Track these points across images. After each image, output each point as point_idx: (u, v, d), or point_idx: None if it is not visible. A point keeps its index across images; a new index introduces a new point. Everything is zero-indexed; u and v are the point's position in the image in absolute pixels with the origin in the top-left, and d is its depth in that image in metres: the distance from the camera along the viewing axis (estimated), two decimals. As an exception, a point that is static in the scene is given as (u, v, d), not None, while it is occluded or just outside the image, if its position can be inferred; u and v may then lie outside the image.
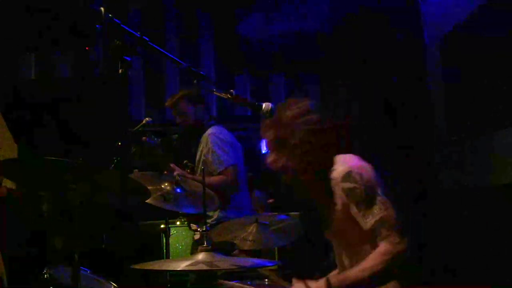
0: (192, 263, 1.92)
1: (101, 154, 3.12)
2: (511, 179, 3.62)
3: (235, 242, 2.84)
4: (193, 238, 3.83)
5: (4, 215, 4.58)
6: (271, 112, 2.23)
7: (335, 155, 2.19)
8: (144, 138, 3.43)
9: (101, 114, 4.56)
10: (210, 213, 3.55)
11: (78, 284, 2.01)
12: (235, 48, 5.57)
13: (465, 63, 4.25)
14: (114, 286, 2.73)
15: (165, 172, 3.35)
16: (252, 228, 2.82)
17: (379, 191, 2.09)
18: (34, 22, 5.04)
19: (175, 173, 3.37)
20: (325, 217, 2.21)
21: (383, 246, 2.03)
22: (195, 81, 2.09)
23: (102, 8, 1.63)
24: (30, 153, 4.70)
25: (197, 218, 3.68)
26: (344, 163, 2.14)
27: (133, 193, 2.15)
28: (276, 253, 4.27)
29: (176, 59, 2.00)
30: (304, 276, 2.25)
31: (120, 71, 1.67)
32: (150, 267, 1.98)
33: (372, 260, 2.03)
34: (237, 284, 2.47)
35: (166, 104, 3.89)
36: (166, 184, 3.05)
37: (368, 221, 2.05)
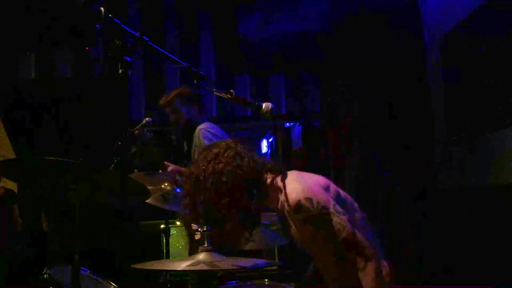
0: (192, 263, 1.92)
1: (101, 154, 3.12)
2: (511, 179, 3.62)
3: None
4: (190, 238, 3.83)
5: (4, 215, 4.59)
6: (271, 112, 2.23)
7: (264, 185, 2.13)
8: (137, 132, 3.42)
9: (101, 114, 4.56)
10: None
11: (78, 284, 2.01)
12: (235, 48, 5.56)
13: (465, 63, 4.25)
14: (114, 286, 2.73)
15: (160, 170, 3.34)
16: (252, 228, 2.81)
17: (331, 208, 2.01)
18: (34, 22, 5.04)
19: (169, 169, 3.37)
20: (298, 242, 2.19)
21: (364, 272, 1.97)
22: (195, 81, 2.08)
23: (102, 8, 1.63)
24: (30, 153, 4.70)
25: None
26: (292, 191, 2.06)
27: (133, 193, 2.15)
28: (276, 253, 4.28)
29: (176, 59, 2.00)
30: (304, 276, 2.25)
31: (120, 71, 1.67)
32: (150, 267, 1.98)
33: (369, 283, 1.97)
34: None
35: (161, 102, 3.89)
36: (166, 184, 3.05)
37: (336, 239, 1.99)
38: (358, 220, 2.12)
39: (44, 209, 4.48)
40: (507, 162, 3.69)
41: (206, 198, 2.07)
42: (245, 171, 2.09)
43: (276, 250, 4.26)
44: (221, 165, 2.09)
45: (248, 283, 2.67)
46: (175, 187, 3.04)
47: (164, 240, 3.58)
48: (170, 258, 3.69)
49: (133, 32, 1.73)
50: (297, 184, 2.08)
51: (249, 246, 2.71)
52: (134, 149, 3.44)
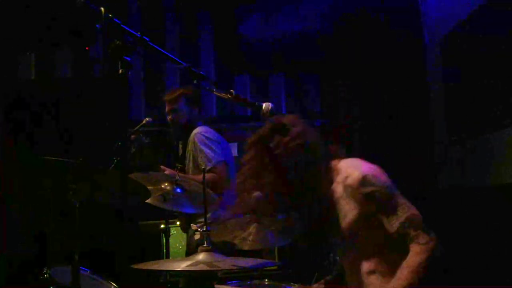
0: (192, 263, 1.92)
1: (101, 154, 3.12)
2: (511, 179, 3.62)
3: (235, 242, 2.84)
4: (188, 238, 3.82)
5: (4, 215, 4.59)
6: (271, 112, 2.23)
7: (327, 162, 2.14)
8: (133, 136, 3.42)
9: (101, 114, 4.56)
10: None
11: (78, 284, 2.01)
12: (235, 48, 5.56)
13: (465, 63, 4.25)
14: (114, 286, 2.73)
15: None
16: (252, 228, 2.81)
17: (394, 189, 2.05)
18: (34, 22, 5.04)
19: (165, 173, 3.37)
20: (335, 226, 2.14)
21: (415, 247, 1.97)
22: (195, 81, 2.09)
23: (102, 8, 1.63)
24: (30, 153, 4.70)
25: (190, 220, 3.68)
26: (355, 168, 2.08)
27: (133, 193, 2.15)
28: (276, 253, 4.27)
29: (176, 59, 2.00)
30: (304, 276, 2.24)
31: (120, 71, 1.67)
32: (150, 267, 1.97)
33: (410, 265, 1.96)
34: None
35: (165, 97, 3.89)
36: (166, 184, 3.05)
37: (393, 224, 1.99)
38: None
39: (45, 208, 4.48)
40: (507, 162, 3.69)
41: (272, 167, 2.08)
42: (311, 149, 2.10)
43: (276, 250, 4.26)
44: (288, 138, 2.09)
45: (248, 283, 2.66)
46: (175, 187, 3.04)
47: (164, 240, 3.58)
48: (170, 258, 3.69)
49: (133, 32, 1.73)
50: (362, 163, 2.11)
51: (249, 246, 2.71)
52: (133, 150, 3.44)
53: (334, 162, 2.16)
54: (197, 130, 3.74)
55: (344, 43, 5.24)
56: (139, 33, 1.75)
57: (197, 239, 3.56)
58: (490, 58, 3.85)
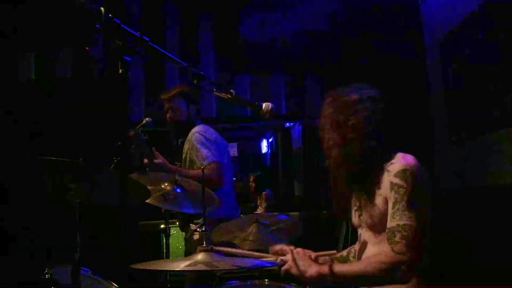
0: (192, 263, 1.92)
1: (101, 154, 3.12)
2: (510, 179, 3.63)
3: (235, 242, 2.84)
4: (186, 238, 3.82)
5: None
6: (271, 112, 2.24)
7: (391, 149, 2.23)
8: (132, 133, 3.42)
9: (101, 114, 4.56)
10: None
11: (78, 284, 2.01)
12: (235, 48, 5.57)
13: (465, 63, 4.25)
14: (115, 286, 2.73)
15: (146, 160, 3.34)
16: (252, 228, 2.82)
17: (420, 201, 2.07)
18: (34, 22, 5.04)
19: (156, 161, 3.38)
20: (361, 206, 2.25)
21: (385, 253, 2.04)
22: (195, 81, 2.09)
23: (102, 8, 1.63)
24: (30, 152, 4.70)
25: (188, 220, 3.68)
26: (404, 160, 2.16)
27: (133, 193, 2.15)
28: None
29: (176, 59, 2.00)
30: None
31: (120, 71, 1.67)
32: (150, 267, 1.98)
33: (371, 264, 2.05)
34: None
35: (163, 96, 3.89)
36: (166, 184, 3.05)
37: (392, 221, 2.05)
38: None
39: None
40: (506, 162, 3.69)
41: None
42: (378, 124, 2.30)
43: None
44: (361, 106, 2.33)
45: (248, 283, 2.67)
46: (175, 187, 3.04)
47: (164, 240, 3.58)
48: (170, 258, 3.69)
49: (133, 32, 1.73)
50: (415, 160, 2.19)
51: (249, 246, 2.72)
52: (133, 148, 3.43)
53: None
54: (196, 129, 3.74)
55: (344, 43, 5.24)
56: (139, 33, 1.75)
57: (196, 239, 3.59)
58: (490, 58, 3.85)
